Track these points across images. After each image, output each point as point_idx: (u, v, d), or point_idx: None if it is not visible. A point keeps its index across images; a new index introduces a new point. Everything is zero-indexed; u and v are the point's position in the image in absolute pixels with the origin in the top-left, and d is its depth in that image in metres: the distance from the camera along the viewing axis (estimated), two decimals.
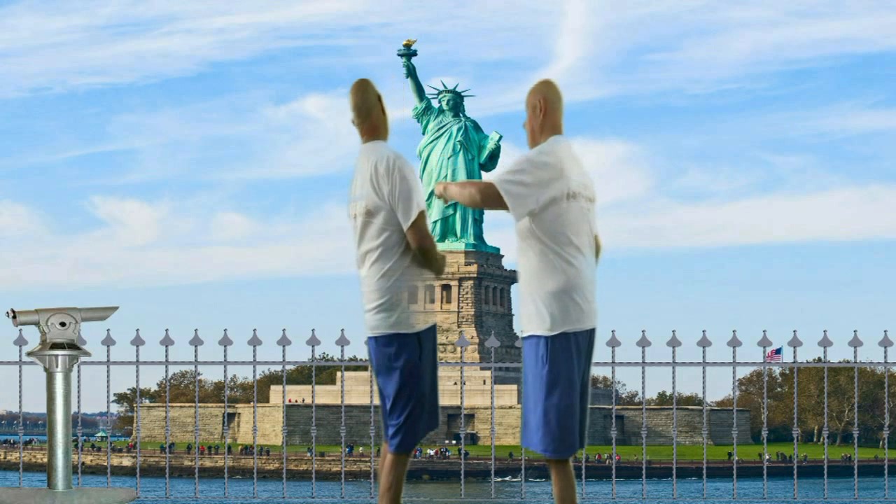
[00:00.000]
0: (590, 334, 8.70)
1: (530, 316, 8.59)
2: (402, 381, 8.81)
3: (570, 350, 8.56)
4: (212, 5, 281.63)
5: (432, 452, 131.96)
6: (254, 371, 15.18)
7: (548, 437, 8.54)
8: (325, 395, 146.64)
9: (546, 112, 8.69)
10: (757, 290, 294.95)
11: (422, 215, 8.73)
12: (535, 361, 8.59)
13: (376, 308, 8.81)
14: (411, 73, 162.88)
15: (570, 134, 8.85)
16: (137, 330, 14.56)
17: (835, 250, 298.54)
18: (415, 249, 8.74)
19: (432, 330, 8.97)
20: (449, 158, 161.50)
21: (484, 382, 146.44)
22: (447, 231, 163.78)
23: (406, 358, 8.80)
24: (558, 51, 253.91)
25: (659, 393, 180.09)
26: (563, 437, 8.54)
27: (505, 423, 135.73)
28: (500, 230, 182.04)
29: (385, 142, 8.93)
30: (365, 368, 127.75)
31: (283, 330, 14.55)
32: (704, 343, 14.63)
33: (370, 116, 8.93)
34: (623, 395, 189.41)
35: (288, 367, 30.19)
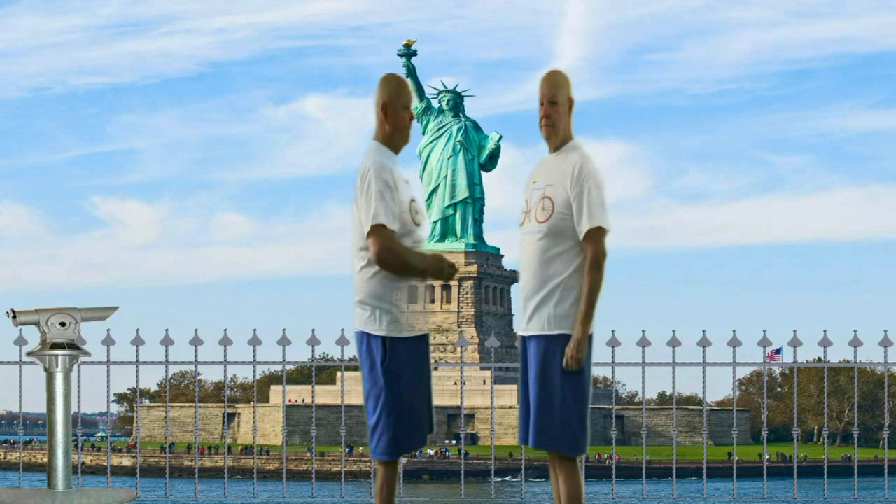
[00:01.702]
0: None
1: (568, 315, 8.62)
2: (369, 383, 8.72)
3: (592, 349, 8.77)
4: (212, 5, 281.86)
5: (432, 452, 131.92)
6: (254, 371, 15.17)
7: (575, 435, 8.67)
8: (325, 395, 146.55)
9: (571, 109, 8.91)
10: (757, 290, 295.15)
11: (378, 229, 8.52)
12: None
13: (356, 303, 8.80)
14: (411, 73, 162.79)
15: None
16: (137, 330, 14.57)
17: (835, 250, 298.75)
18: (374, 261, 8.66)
19: (416, 340, 8.75)
20: (449, 158, 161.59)
21: (484, 382, 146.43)
22: (447, 231, 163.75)
23: (371, 359, 8.69)
24: (558, 51, 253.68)
25: (659, 393, 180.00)
26: (586, 434, 8.72)
27: (505, 423, 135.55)
28: (500, 230, 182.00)
29: (384, 146, 8.85)
30: None
31: (283, 330, 14.55)
32: (704, 343, 14.63)
33: (376, 115, 8.92)
34: (623, 395, 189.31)
35: (288, 367, 30.13)
